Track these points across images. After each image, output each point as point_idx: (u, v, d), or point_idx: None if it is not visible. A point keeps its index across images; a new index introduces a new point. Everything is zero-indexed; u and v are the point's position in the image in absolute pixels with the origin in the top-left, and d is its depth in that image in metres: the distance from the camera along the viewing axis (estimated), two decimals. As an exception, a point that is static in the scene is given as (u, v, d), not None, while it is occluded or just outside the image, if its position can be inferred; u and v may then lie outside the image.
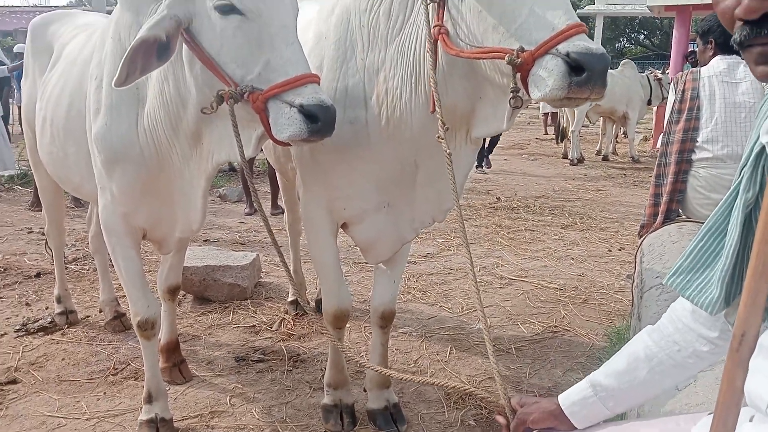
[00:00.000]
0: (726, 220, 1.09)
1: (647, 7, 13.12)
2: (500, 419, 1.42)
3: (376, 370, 2.21)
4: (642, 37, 46.34)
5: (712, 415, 1.21)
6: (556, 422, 1.31)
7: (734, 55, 3.24)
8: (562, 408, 1.31)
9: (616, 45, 46.51)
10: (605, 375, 1.30)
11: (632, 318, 3.16)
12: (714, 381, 1.57)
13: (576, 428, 1.30)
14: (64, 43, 2.98)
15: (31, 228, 6.02)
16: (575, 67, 1.49)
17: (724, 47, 3.28)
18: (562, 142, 11.42)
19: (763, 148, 0.96)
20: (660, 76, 11.60)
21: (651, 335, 1.27)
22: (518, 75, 1.58)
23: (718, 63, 3.28)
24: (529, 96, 1.60)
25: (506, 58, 1.57)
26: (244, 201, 6.94)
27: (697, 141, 3.25)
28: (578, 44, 1.50)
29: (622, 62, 11.55)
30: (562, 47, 1.51)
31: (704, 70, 3.31)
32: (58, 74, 2.81)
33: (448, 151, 1.70)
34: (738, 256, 1.05)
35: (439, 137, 1.75)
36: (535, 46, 1.54)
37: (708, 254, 1.13)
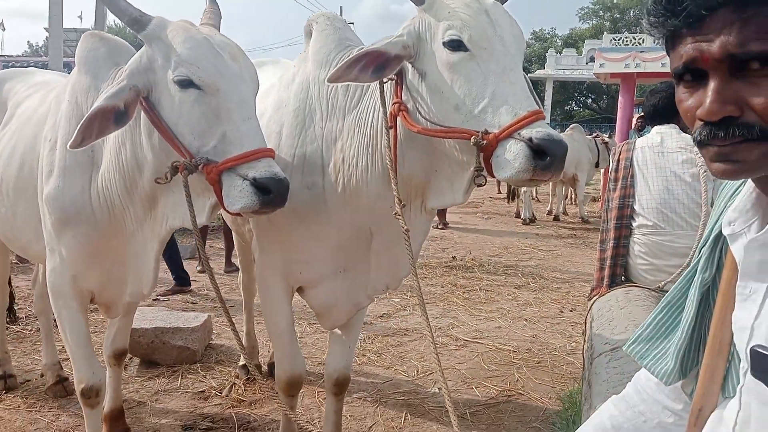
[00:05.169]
0: (684, 296, 1.13)
1: (593, 74, 13.78)
2: None
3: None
4: (590, 100, 48.52)
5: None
6: None
7: (668, 124, 3.35)
8: None
9: (566, 107, 48.53)
10: None
11: (583, 383, 3.19)
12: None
13: None
14: (18, 102, 2.94)
15: (-30, 284, 5.76)
16: (538, 151, 1.57)
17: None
18: (513, 201, 11.71)
19: (722, 231, 1.01)
20: (606, 140, 12.13)
21: (617, 405, 1.27)
22: (482, 155, 1.65)
23: (654, 136, 3.39)
24: (493, 176, 1.67)
25: (472, 139, 1.65)
26: (197, 258, 6.82)
27: (635, 208, 3.33)
28: (540, 131, 1.59)
29: (570, 125, 12.03)
30: (525, 132, 1.59)
31: (639, 141, 3.44)
32: (11, 133, 2.76)
33: (405, 227, 1.72)
34: (693, 332, 1.08)
35: (396, 214, 1.78)
36: (498, 130, 1.63)
37: (666, 326, 1.16)
